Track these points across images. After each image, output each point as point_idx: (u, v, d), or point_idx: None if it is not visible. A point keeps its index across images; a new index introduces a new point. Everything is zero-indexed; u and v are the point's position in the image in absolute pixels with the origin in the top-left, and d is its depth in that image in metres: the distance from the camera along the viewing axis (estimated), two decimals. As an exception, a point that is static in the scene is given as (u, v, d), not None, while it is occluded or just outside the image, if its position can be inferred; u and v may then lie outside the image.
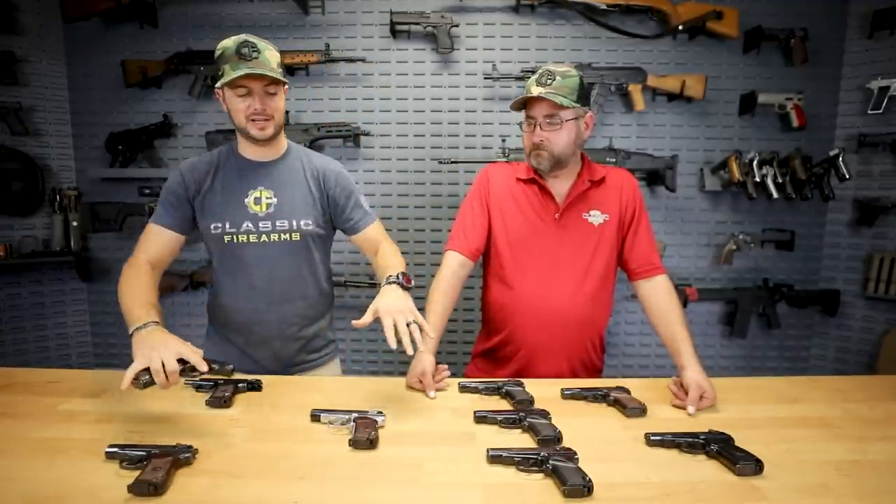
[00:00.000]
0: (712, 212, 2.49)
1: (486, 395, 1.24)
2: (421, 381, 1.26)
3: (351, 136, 2.36)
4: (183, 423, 1.05)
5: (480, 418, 1.08)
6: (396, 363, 2.57)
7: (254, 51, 1.22)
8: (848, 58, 2.39)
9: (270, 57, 1.25)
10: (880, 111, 2.24)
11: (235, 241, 1.33)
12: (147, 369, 0.94)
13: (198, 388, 1.21)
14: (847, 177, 2.26)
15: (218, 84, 1.23)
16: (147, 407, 1.12)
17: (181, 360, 0.97)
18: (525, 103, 1.37)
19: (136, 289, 1.17)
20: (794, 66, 2.36)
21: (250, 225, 1.33)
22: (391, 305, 1.11)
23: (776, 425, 1.09)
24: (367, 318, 1.09)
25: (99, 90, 2.46)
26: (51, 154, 2.46)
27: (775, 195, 2.28)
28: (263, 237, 1.34)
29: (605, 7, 2.26)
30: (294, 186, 1.37)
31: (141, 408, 1.12)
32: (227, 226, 1.32)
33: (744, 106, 2.41)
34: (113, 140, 2.42)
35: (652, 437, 0.99)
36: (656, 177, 2.37)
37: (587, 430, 1.06)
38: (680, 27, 2.28)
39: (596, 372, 1.50)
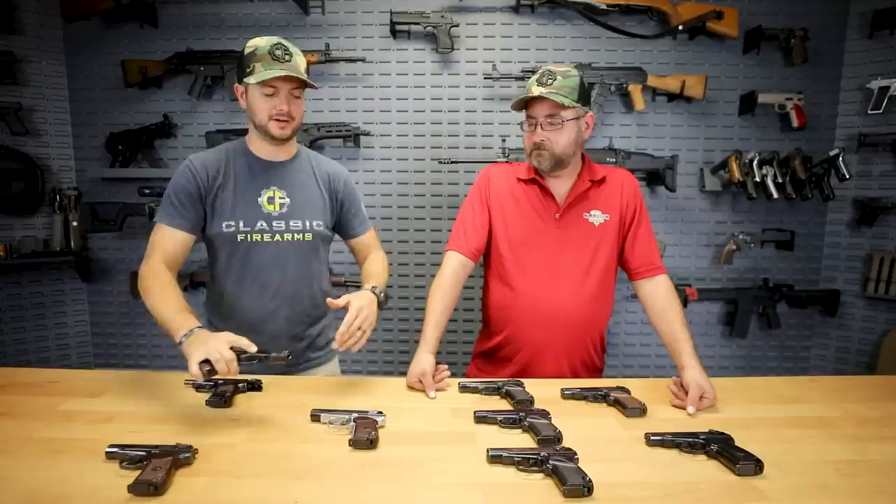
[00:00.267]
0: (712, 212, 2.49)
1: (486, 395, 1.24)
2: (421, 381, 1.26)
3: (351, 136, 2.36)
4: (183, 423, 1.05)
5: (480, 418, 1.08)
6: (396, 363, 2.57)
7: (286, 53, 1.25)
8: (848, 58, 2.39)
9: (300, 61, 1.28)
10: (880, 111, 2.24)
11: (249, 239, 1.33)
12: (207, 361, 0.98)
13: (198, 388, 1.21)
14: (847, 177, 2.26)
15: (251, 80, 1.23)
16: (147, 407, 1.12)
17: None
18: (526, 103, 1.38)
19: (165, 296, 1.16)
20: (794, 66, 2.36)
21: (264, 224, 1.34)
22: (363, 305, 1.22)
23: (776, 425, 1.09)
24: (339, 303, 1.22)
25: (99, 90, 2.46)
26: (51, 154, 2.46)
27: (775, 195, 2.28)
28: (277, 236, 1.35)
29: (605, 7, 2.26)
30: (305, 188, 1.39)
31: (141, 408, 1.12)
32: (242, 224, 1.32)
33: (744, 106, 2.41)
34: (113, 140, 2.42)
35: (652, 437, 0.99)
36: (656, 177, 2.37)
37: (587, 430, 1.06)
38: (680, 27, 2.28)
39: (597, 372, 1.50)
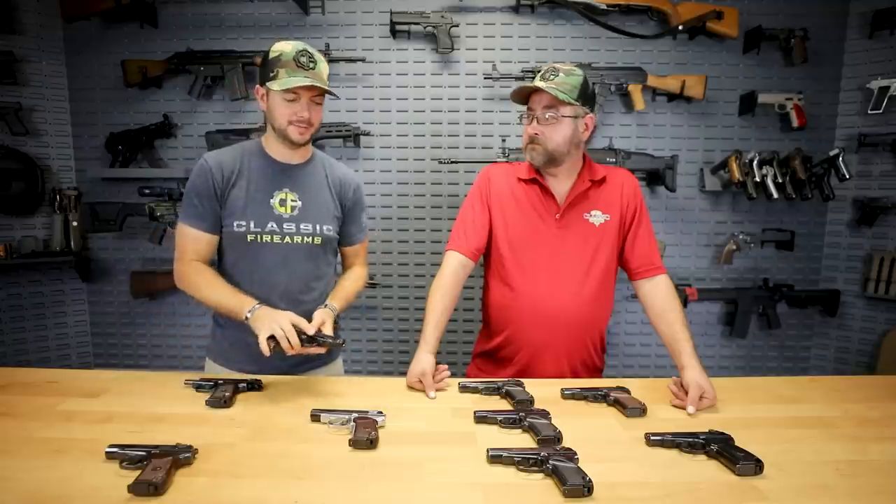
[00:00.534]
0: (712, 212, 2.49)
1: (486, 395, 1.24)
2: (421, 381, 1.26)
3: (351, 136, 2.36)
4: (183, 423, 1.05)
5: (480, 418, 1.08)
6: (396, 363, 2.57)
7: (311, 61, 1.27)
8: (848, 58, 2.39)
9: (324, 68, 1.30)
10: (880, 111, 2.24)
11: (259, 240, 1.34)
12: (273, 337, 1.13)
13: (198, 388, 1.21)
14: (847, 177, 2.26)
15: (275, 87, 1.25)
16: (147, 407, 1.12)
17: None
18: (528, 97, 1.38)
19: (216, 285, 1.28)
20: (794, 66, 2.36)
21: (274, 225, 1.35)
22: (318, 318, 1.24)
23: (776, 425, 1.09)
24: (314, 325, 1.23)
25: (99, 90, 2.46)
26: (51, 154, 2.46)
27: (775, 195, 2.28)
28: (287, 238, 1.36)
29: (605, 7, 2.26)
30: (317, 192, 1.40)
31: (141, 408, 1.12)
32: (252, 225, 1.33)
33: (744, 106, 2.41)
34: (113, 140, 2.42)
35: (652, 437, 0.99)
36: (656, 177, 2.37)
37: (587, 430, 1.06)
38: (680, 27, 2.28)
39: (597, 372, 1.50)
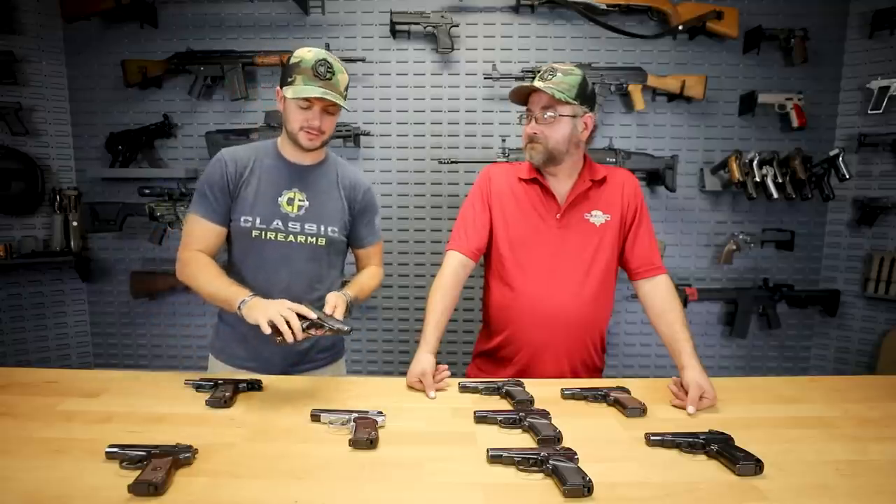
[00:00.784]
0: (712, 212, 2.49)
1: (486, 395, 1.24)
2: (421, 381, 1.26)
3: (351, 136, 2.36)
4: (183, 423, 1.05)
5: (480, 418, 1.08)
6: (396, 363, 2.57)
7: (329, 71, 1.27)
8: (848, 58, 2.39)
9: (342, 80, 1.30)
10: (880, 111, 2.24)
11: (263, 236, 1.35)
12: (275, 329, 1.10)
13: (198, 388, 1.21)
14: (847, 177, 2.26)
15: (289, 94, 1.26)
16: (147, 407, 1.12)
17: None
18: (527, 97, 1.38)
19: (211, 276, 1.28)
20: (794, 66, 2.36)
21: (280, 223, 1.36)
22: (331, 300, 1.23)
23: (776, 425, 1.09)
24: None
25: (99, 90, 2.46)
26: (51, 154, 2.46)
27: (775, 195, 2.28)
28: (290, 237, 1.37)
29: (605, 7, 2.26)
30: (326, 193, 1.41)
31: (141, 408, 1.12)
32: (258, 221, 1.35)
33: (744, 106, 2.41)
34: (113, 140, 2.42)
35: (652, 437, 0.99)
36: (656, 177, 2.37)
37: (587, 430, 1.06)
38: (680, 27, 2.28)
39: (597, 372, 1.50)
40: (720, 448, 0.94)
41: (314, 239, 1.39)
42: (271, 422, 1.07)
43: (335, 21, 2.39)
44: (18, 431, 1.00)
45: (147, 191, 2.34)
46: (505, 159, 2.22)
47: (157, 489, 0.80)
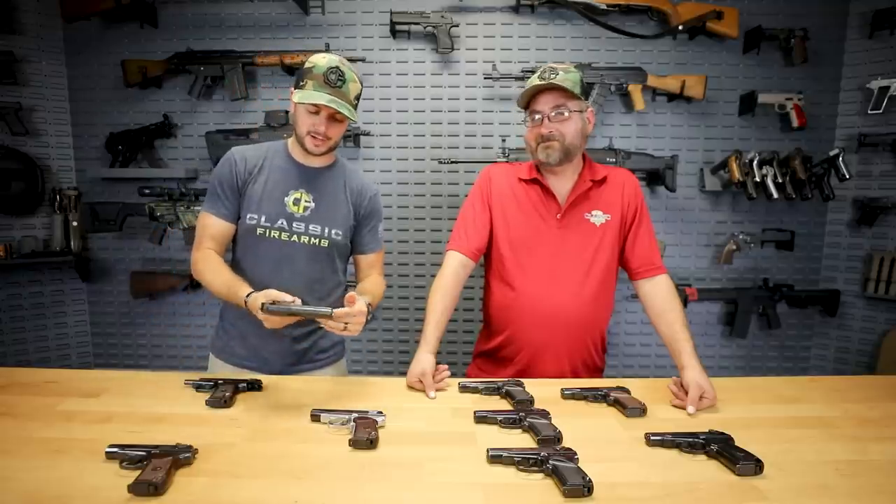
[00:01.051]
0: (712, 212, 2.49)
1: (486, 395, 1.24)
2: (421, 381, 1.26)
3: (351, 136, 2.36)
4: (183, 423, 1.05)
5: (480, 418, 1.08)
6: (396, 363, 2.57)
7: (339, 79, 1.28)
8: (848, 58, 2.39)
9: (352, 88, 1.31)
10: (880, 111, 2.24)
11: (266, 235, 1.36)
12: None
13: (198, 388, 1.21)
14: (847, 177, 2.26)
15: (295, 98, 1.29)
16: (147, 407, 1.12)
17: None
18: (529, 101, 1.38)
19: (218, 272, 1.30)
20: (794, 66, 2.36)
21: (284, 223, 1.37)
22: (362, 305, 1.17)
23: (776, 425, 1.09)
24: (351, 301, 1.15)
25: (99, 90, 2.46)
26: (51, 154, 2.46)
27: (775, 195, 2.28)
28: (294, 237, 1.38)
29: (605, 7, 2.26)
30: (332, 196, 1.42)
31: (141, 408, 1.12)
32: (263, 219, 1.36)
33: (744, 106, 2.41)
34: (113, 140, 2.42)
35: (652, 437, 0.99)
36: (656, 177, 2.37)
37: (587, 430, 1.06)
38: (680, 27, 2.28)
39: (597, 372, 1.50)
40: (720, 448, 0.94)
41: (317, 240, 1.39)
42: (271, 422, 1.08)
43: (335, 21, 2.39)
44: (18, 431, 1.00)
45: (147, 191, 2.34)
46: (505, 159, 2.22)
47: (157, 489, 0.80)
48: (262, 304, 1.11)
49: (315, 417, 1.06)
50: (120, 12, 2.31)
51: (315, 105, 1.28)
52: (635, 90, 2.31)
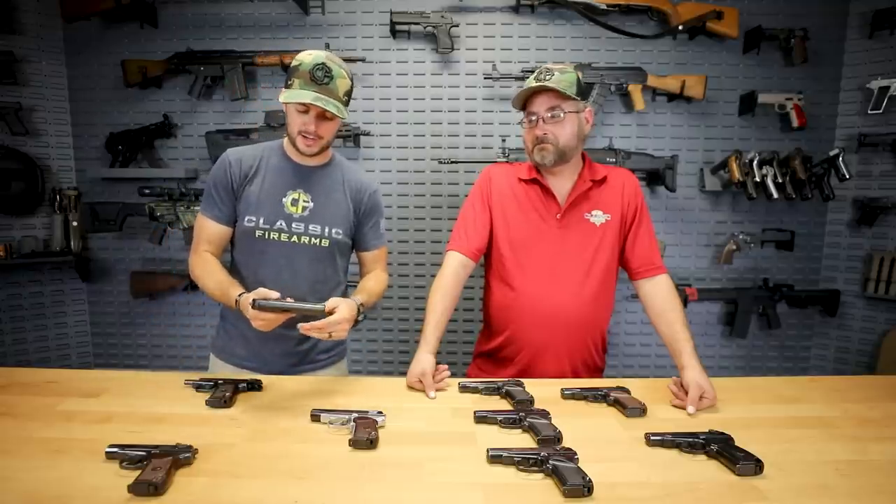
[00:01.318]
0: (712, 212, 2.49)
1: (486, 395, 1.24)
2: (421, 381, 1.26)
3: (351, 136, 2.36)
4: (183, 423, 1.05)
5: (480, 418, 1.08)
6: (396, 363, 2.57)
7: (326, 76, 1.25)
8: (848, 58, 2.39)
9: (340, 85, 1.28)
10: (880, 111, 2.23)
11: (266, 237, 1.36)
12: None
13: (198, 388, 1.21)
14: (847, 177, 2.26)
15: (282, 97, 1.26)
16: (147, 407, 1.12)
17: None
18: (525, 102, 1.38)
19: (213, 274, 1.30)
20: (794, 66, 2.36)
21: (283, 224, 1.36)
22: (346, 319, 1.19)
23: (776, 425, 1.09)
24: (329, 305, 1.17)
25: (99, 90, 2.46)
26: (51, 154, 2.46)
27: (775, 195, 2.28)
28: (294, 238, 1.37)
29: (605, 7, 2.25)
30: (331, 195, 1.41)
31: (141, 408, 1.12)
32: (262, 221, 1.35)
33: (744, 106, 2.41)
34: (113, 140, 2.42)
35: (652, 437, 0.99)
36: (656, 177, 2.37)
37: (587, 430, 1.06)
38: (680, 27, 2.28)
39: (598, 372, 1.50)
40: (720, 448, 0.94)
41: (318, 240, 1.38)
42: (271, 422, 1.07)
43: (335, 21, 2.39)
44: (18, 431, 1.00)
45: (147, 191, 2.34)
46: (505, 159, 2.22)
47: (157, 489, 0.80)
48: (253, 300, 1.11)
49: (315, 417, 1.06)
50: (120, 12, 2.31)
51: (304, 104, 1.26)
52: (635, 90, 2.31)
